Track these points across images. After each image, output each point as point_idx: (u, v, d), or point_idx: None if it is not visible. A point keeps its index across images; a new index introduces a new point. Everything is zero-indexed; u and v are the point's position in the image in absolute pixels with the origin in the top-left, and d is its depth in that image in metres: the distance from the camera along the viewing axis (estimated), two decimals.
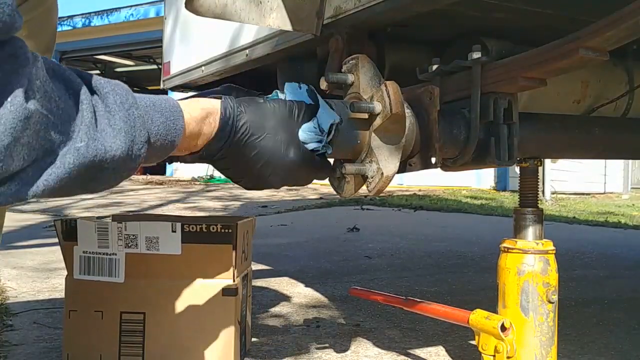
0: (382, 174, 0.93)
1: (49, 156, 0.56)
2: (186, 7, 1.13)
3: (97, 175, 0.61)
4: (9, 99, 0.51)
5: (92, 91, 0.62)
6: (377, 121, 0.92)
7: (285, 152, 0.81)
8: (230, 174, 0.84)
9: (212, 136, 0.77)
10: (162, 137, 0.69)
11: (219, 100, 0.78)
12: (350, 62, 0.98)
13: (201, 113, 0.75)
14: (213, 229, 1.26)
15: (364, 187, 0.98)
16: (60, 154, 0.57)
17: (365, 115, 0.93)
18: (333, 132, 0.86)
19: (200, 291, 1.27)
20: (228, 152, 0.78)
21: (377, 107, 0.91)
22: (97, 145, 0.59)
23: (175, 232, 1.25)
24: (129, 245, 1.27)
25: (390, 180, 0.94)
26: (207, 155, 0.79)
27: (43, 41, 0.89)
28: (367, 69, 0.96)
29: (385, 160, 0.93)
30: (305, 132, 0.84)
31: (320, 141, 0.85)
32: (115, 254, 1.27)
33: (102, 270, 1.27)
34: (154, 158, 0.70)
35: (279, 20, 1.18)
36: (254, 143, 0.79)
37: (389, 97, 0.91)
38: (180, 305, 1.27)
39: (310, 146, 0.84)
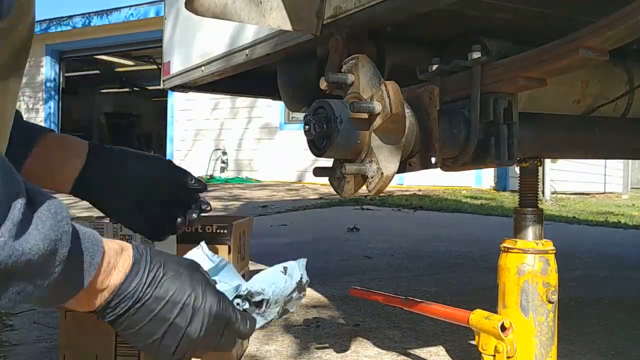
0: (382, 174, 0.93)
1: None
2: (186, 7, 1.13)
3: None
4: None
5: (28, 195, 0.57)
6: (377, 121, 0.92)
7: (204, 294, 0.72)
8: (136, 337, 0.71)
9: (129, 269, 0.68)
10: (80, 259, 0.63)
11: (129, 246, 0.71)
12: (350, 62, 0.98)
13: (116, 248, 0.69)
14: (209, 229, 1.26)
15: (364, 187, 0.98)
16: None
17: (365, 115, 0.93)
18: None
19: None
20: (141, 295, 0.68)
21: (377, 107, 0.91)
22: (15, 245, 0.54)
23: None
24: None
25: (390, 180, 0.94)
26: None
27: (19, 39, 0.79)
28: (367, 69, 0.96)
29: (385, 160, 0.93)
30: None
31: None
32: None
33: None
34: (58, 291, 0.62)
35: (279, 20, 1.18)
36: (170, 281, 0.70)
37: (388, 97, 0.91)
38: None
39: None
